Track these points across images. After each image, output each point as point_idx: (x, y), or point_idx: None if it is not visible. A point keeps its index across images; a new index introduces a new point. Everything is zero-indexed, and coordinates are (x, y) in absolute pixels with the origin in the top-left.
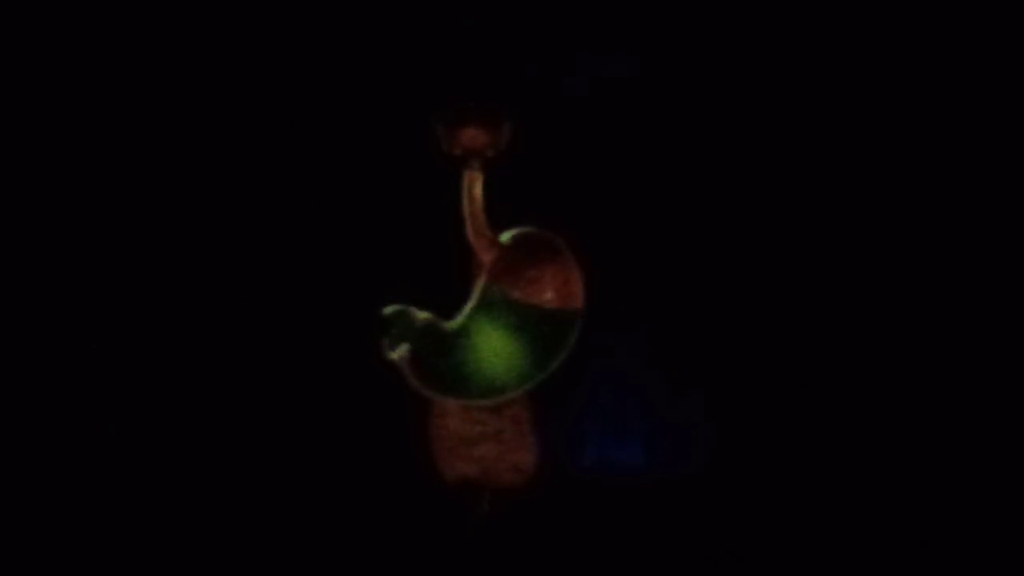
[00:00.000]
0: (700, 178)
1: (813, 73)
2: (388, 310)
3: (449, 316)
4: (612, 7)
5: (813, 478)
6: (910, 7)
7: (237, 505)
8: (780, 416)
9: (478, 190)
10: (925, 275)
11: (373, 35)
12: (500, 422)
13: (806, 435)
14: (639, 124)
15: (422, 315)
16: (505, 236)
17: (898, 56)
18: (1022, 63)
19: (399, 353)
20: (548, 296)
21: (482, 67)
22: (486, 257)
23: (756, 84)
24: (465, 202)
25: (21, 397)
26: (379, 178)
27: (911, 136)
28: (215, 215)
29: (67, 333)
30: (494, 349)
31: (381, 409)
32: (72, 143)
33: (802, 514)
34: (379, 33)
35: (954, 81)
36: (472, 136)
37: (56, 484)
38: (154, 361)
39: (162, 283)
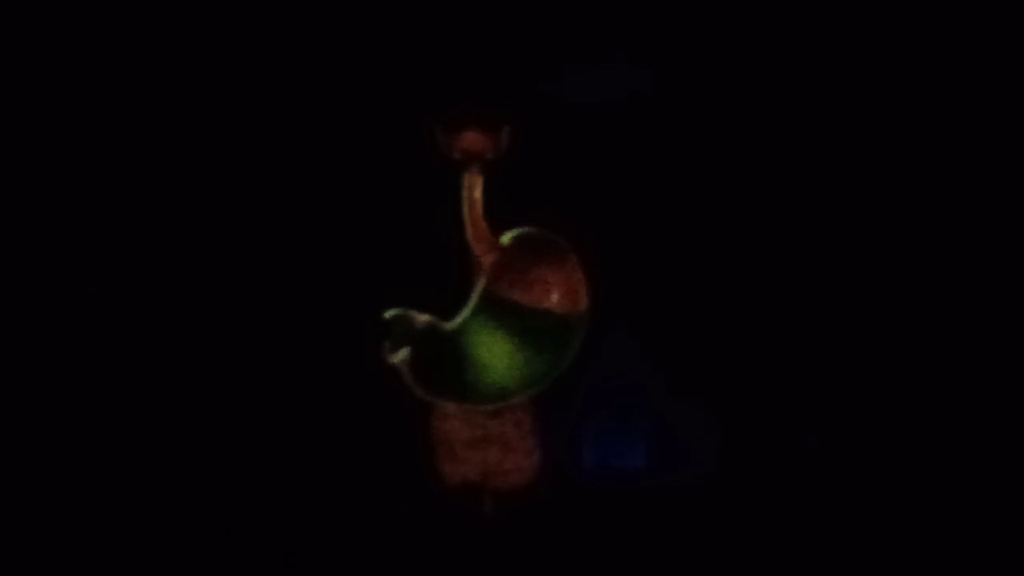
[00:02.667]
0: (700, 180)
1: (808, 78)
2: (389, 314)
3: (450, 319)
4: (610, 12)
5: (815, 480)
6: (898, 13)
7: (240, 508)
8: (782, 419)
9: (478, 193)
10: (924, 277)
11: (374, 39)
12: (502, 425)
13: (807, 438)
14: (638, 126)
15: (422, 318)
16: (505, 237)
17: (887, 59)
18: (1022, 63)
19: (400, 357)
20: (554, 299)
21: (482, 71)
22: (486, 259)
23: (755, 89)
24: (465, 205)
25: (21, 397)
26: (379, 181)
27: (906, 138)
28: (216, 219)
29: (67, 335)
30: (495, 352)
31: (382, 412)
32: (71, 143)
33: (803, 516)
34: (380, 37)
35: (955, 89)
36: (472, 139)
37: (56, 484)
38: (156, 365)
39: (162, 287)
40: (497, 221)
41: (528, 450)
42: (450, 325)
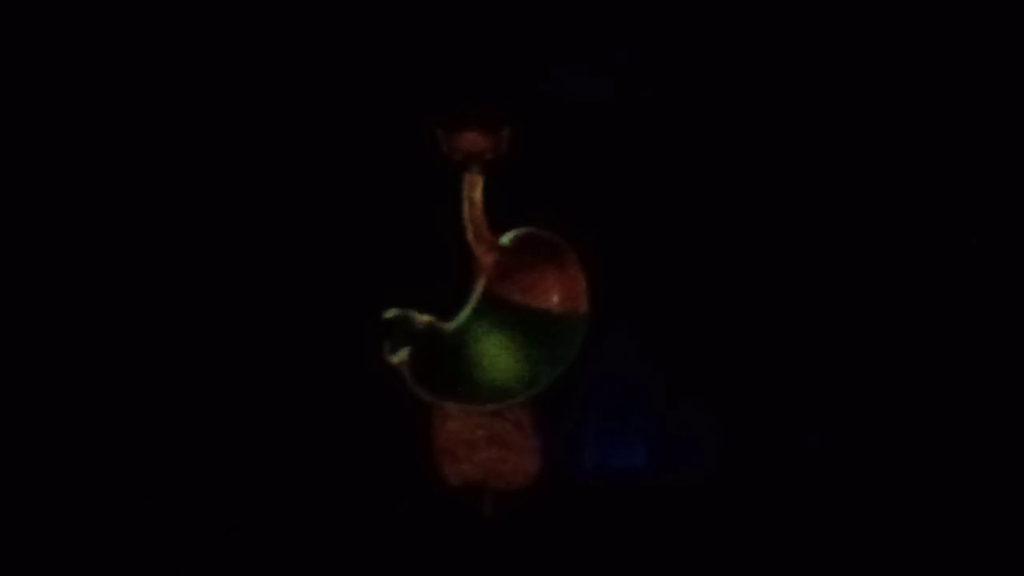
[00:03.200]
0: (700, 180)
1: (807, 79)
2: (388, 314)
3: (450, 319)
4: (610, 12)
5: (815, 481)
6: (896, 14)
7: (239, 510)
8: (782, 419)
9: (478, 193)
10: (924, 278)
11: (374, 39)
12: (502, 425)
13: (808, 439)
14: (638, 126)
15: (422, 318)
16: (506, 238)
17: (885, 59)
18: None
19: (400, 357)
20: (554, 300)
21: (482, 71)
22: (486, 259)
23: (755, 89)
24: (465, 205)
25: (21, 397)
26: (379, 182)
27: (905, 138)
28: (214, 219)
29: (66, 335)
30: (496, 352)
31: (382, 413)
32: (70, 143)
33: (803, 516)
34: (380, 37)
35: (954, 89)
36: (472, 140)
37: (56, 485)
38: (154, 366)
39: (161, 288)
40: (497, 221)
41: (528, 450)
42: (450, 325)
